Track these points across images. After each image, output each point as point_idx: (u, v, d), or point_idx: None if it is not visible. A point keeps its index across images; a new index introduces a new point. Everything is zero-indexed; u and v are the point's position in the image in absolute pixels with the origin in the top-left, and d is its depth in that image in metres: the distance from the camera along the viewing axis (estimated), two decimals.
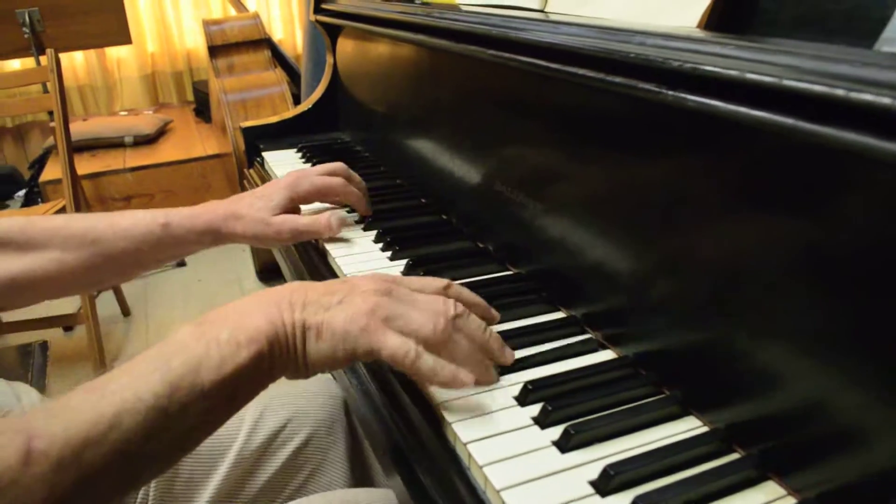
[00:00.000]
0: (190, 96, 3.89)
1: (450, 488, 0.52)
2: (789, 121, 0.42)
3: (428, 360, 0.54)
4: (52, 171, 2.84)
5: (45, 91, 2.05)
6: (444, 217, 1.00)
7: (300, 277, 0.93)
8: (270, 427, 0.81)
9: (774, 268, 0.47)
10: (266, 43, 2.81)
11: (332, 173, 0.95)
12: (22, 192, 3.18)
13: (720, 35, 0.54)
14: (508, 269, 0.82)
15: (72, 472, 0.44)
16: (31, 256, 0.78)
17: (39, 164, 2.99)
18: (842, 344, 0.43)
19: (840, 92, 0.38)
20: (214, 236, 0.85)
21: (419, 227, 0.97)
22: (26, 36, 2.35)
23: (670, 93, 0.52)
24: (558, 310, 0.72)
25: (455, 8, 1.00)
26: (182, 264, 2.83)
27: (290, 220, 0.87)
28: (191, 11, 3.78)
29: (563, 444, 0.52)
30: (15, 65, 3.25)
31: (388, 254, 0.86)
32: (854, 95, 0.38)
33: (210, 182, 3.04)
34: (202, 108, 3.58)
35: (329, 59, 1.41)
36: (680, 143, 0.55)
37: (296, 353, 0.54)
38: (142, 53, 3.76)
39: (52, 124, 2.08)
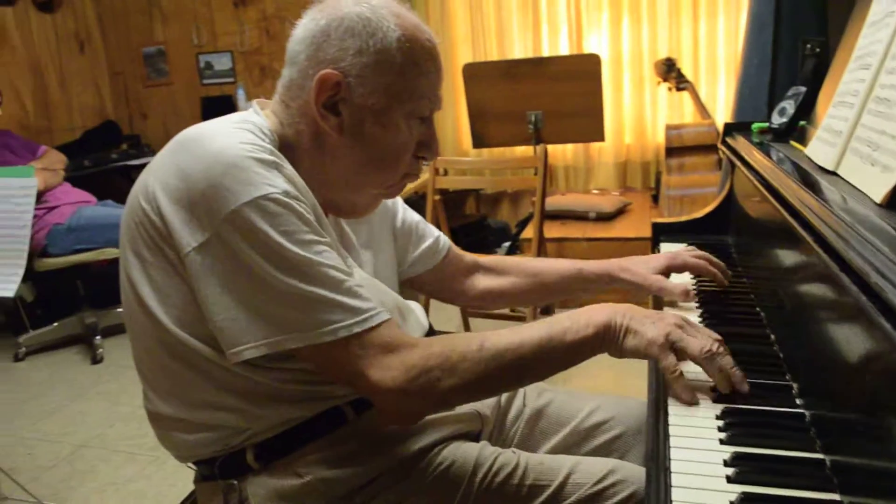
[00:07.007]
0: (652, 183, 4.48)
1: None
2: None
3: (681, 381, 0.92)
4: (529, 232, 3.65)
5: (535, 173, 2.79)
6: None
7: None
8: (599, 417, 1.25)
9: None
10: (717, 148, 3.23)
11: (699, 258, 1.34)
12: (507, 244, 4.09)
13: None
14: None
15: (496, 362, 0.91)
16: (498, 279, 1.40)
17: (522, 225, 3.84)
18: None
19: None
20: (610, 278, 1.34)
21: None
22: (530, 131, 3.16)
23: None
24: None
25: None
26: None
27: (661, 280, 1.30)
28: (666, 112, 4.37)
29: None
30: (521, 149, 4.20)
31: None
32: None
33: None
34: (658, 196, 4.12)
35: (728, 180, 1.80)
36: None
37: (617, 341, 0.95)
38: (619, 144, 4.47)
39: (534, 199, 2.81)
